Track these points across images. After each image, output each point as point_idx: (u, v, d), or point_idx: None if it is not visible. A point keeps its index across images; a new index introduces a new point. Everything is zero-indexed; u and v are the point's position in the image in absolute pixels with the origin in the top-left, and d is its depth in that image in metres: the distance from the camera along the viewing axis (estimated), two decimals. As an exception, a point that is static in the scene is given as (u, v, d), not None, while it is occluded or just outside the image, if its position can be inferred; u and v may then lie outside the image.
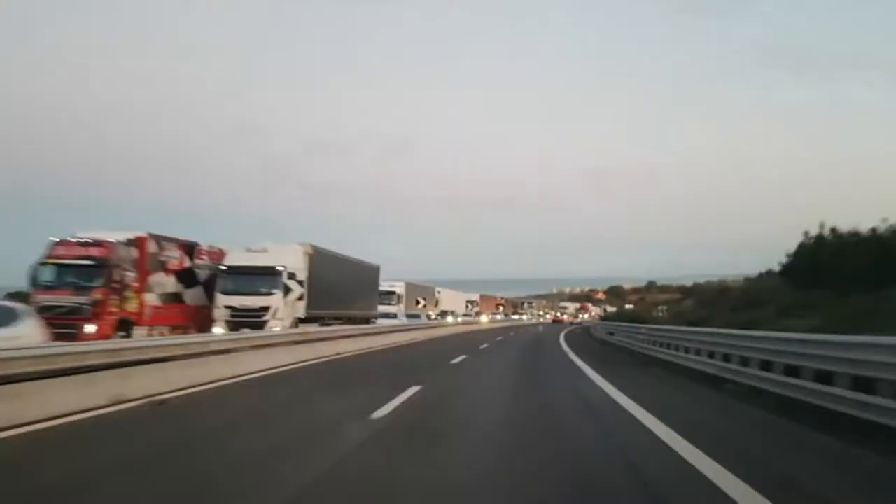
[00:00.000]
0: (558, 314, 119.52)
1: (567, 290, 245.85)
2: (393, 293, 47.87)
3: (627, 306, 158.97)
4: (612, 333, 30.17)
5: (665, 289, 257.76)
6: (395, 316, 34.00)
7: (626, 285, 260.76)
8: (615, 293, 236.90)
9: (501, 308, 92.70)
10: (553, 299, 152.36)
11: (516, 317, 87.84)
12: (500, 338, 34.13)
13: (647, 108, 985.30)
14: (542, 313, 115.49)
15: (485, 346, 26.06)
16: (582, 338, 38.43)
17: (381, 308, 42.41)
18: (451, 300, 64.84)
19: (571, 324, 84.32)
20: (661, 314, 43.51)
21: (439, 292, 60.98)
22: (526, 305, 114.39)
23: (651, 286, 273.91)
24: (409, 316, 38.59)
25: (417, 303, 47.79)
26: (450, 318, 50.95)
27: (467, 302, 73.69)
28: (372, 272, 32.64)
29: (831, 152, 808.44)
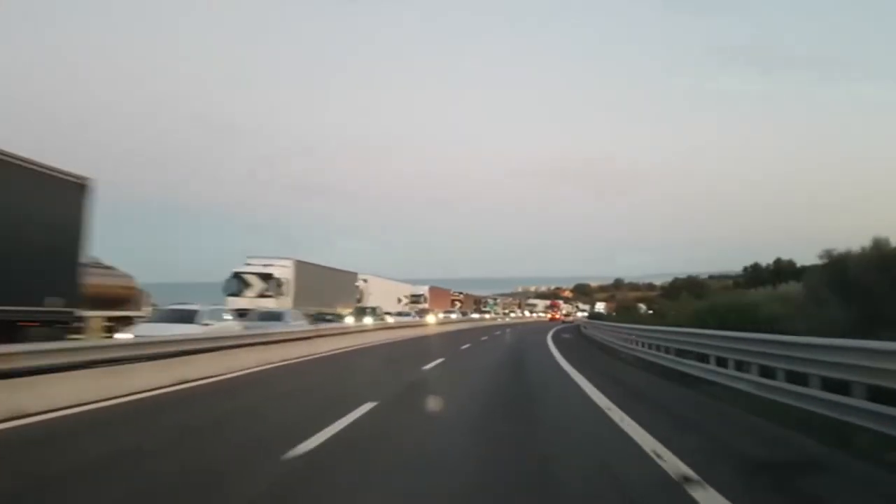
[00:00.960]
0: (556, 312, 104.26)
1: (532, 288, 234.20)
2: (269, 277, 28.95)
3: (599, 304, 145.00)
4: (671, 352, 11.96)
5: (635, 287, 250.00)
6: (192, 318, 14.51)
7: (593, 283, 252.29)
8: (582, 291, 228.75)
9: (459, 305, 73.48)
10: (519, 297, 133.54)
11: (477, 316, 67.80)
12: (435, 362, 15.76)
13: (630, 110, 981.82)
14: (507, 311, 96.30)
15: (363, 410, 7.36)
16: (586, 350, 20.35)
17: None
18: (385, 292, 46.11)
19: (563, 322, 69.35)
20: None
21: (365, 281, 42.10)
22: (490, 302, 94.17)
23: (619, 284, 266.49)
24: (265, 318, 19.58)
25: (263, 296, 28.31)
26: (368, 319, 32.01)
27: (412, 296, 54.94)
28: (46, 198, 11.78)
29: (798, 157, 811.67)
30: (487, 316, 69.69)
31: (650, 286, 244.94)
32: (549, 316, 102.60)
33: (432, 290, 61.37)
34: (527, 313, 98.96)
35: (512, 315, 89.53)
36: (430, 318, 41.02)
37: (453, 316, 55.25)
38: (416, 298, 55.47)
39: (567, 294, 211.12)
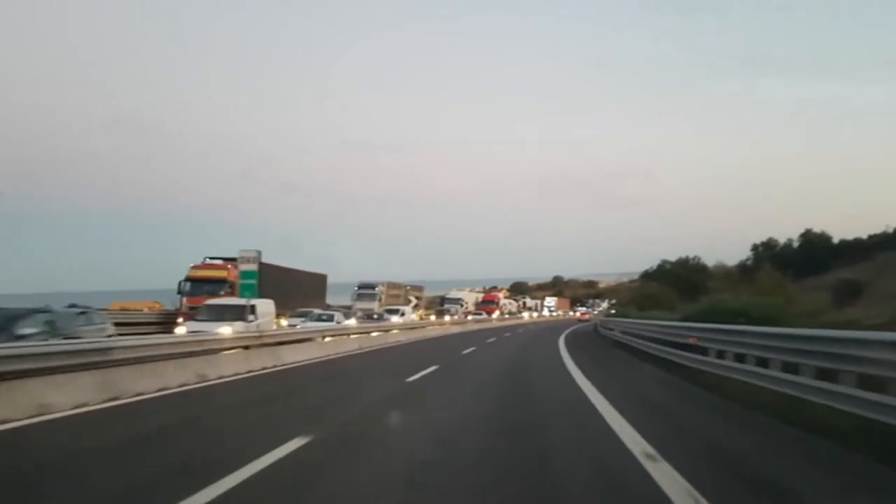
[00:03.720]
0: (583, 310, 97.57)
1: (466, 289, 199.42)
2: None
3: (549, 300, 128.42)
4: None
5: (590, 283, 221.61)
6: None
7: (530, 282, 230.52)
8: (519, 289, 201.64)
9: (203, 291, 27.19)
10: (437, 300, 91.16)
11: (256, 329, 17.07)
12: None
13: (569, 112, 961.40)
14: (378, 311, 42.81)
15: None
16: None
17: None
18: None
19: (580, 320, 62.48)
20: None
21: None
22: (359, 294, 47.59)
23: (558, 281, 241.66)
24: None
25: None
26: None
27: None
28: None
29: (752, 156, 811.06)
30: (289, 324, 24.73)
31: (591, 283, 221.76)
32: (576, 315, 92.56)
33: None
34: (446, 317, 52.20)
35: (395, 319, 38.43)
36: None
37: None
38: None
39: (505, 293, 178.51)
